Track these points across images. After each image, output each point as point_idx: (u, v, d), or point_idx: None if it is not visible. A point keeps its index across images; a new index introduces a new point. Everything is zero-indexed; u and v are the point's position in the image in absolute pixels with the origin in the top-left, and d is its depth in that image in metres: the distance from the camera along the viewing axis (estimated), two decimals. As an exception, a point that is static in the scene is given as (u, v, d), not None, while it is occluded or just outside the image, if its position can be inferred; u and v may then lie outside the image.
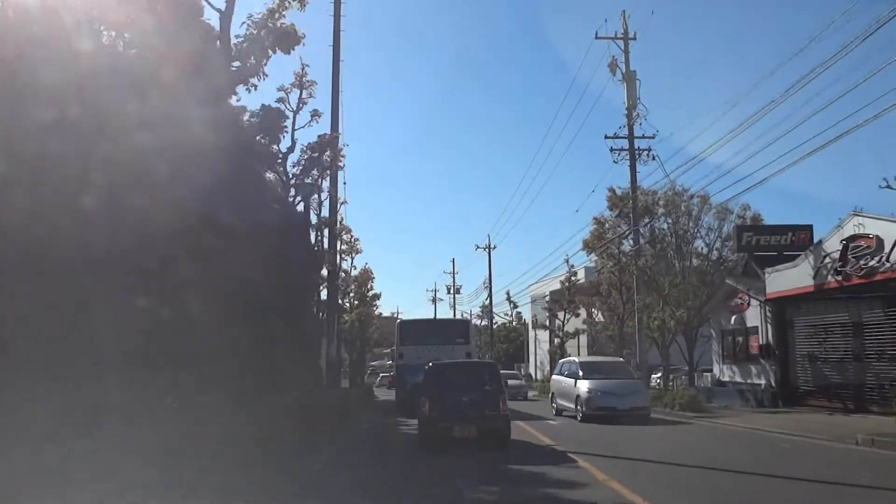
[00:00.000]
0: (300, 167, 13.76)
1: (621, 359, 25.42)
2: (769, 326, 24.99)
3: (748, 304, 26.17)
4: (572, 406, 20.24)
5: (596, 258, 32.55)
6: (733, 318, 27.45)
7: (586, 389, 19.39)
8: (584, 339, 43.27)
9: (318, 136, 13.78)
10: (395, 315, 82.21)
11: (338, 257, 21.90)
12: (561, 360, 23.75)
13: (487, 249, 54.66)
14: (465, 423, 11.96)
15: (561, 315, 39.30)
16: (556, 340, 39.24)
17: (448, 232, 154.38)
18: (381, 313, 48.42)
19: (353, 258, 26.73)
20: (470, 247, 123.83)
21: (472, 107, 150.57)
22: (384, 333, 56.23)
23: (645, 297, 26.26)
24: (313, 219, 17.66)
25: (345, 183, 26.84)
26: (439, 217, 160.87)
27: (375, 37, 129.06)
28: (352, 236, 26.24)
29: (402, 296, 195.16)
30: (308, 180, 14.10)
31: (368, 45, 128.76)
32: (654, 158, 26.96)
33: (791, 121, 19.11)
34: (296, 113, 13.95)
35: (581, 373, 20.38)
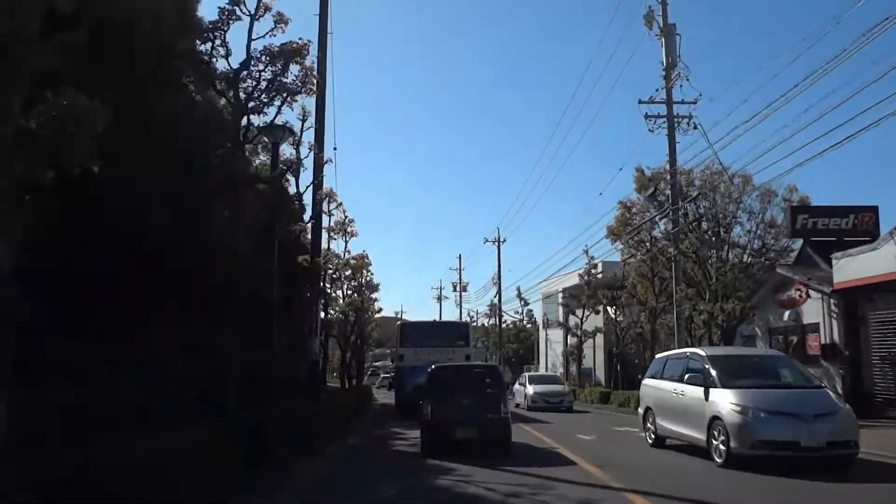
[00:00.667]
0: (252, 82, 9.76)
1: (779, 352, 16.69)
2: (835, 322, 20.94)
3: (806, 297, 22.10)
4: (699, 435, 11.39)
5: (622, 247, 28.54)
6: (787, 313, 23.37)
7: (737, 406, 10.36)
8: (599, 339, 39.20)
9: (281, 45, 9.77)
10: (399, 314, 78.82)
11: (323, 233, 18.06)
12: (662, 356, 14.91)
13: (497, 243, 50.70)
14: (467, 425, 11.86)
15: (579, 312, 35.15)
16: (574, 340, 35.11)
17: (454, 227, 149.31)
18: (380, 308, 44.45)
19: (346, 241, 22.76)
20: (477, 242, 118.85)
21: (480, 88, 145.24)
22: (386, 332, 52.48)
23: (686, 287, 22.19)
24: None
25: (335, 148, 22.95)
26: (445, 211, 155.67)
27: (371, 15, 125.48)
28: (345, 215, 22.28)
29: (407, 295, 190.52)
30: (273, 111, 10.12)
31: (362, 25, 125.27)
32: (695, 127, 22.99)
33: (856, 83, 15.30)
34: (253, 17, 9.94)
35: (715, 374, 11.34)
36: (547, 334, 52.92)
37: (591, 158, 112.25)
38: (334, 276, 19.93)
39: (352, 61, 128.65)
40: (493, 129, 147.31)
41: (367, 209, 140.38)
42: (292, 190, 16.53)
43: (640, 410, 14.47)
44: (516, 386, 30.34)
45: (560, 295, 49.37)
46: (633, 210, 27.94)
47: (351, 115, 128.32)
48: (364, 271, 24.87)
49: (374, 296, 34.95)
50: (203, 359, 9.86)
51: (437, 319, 38.30)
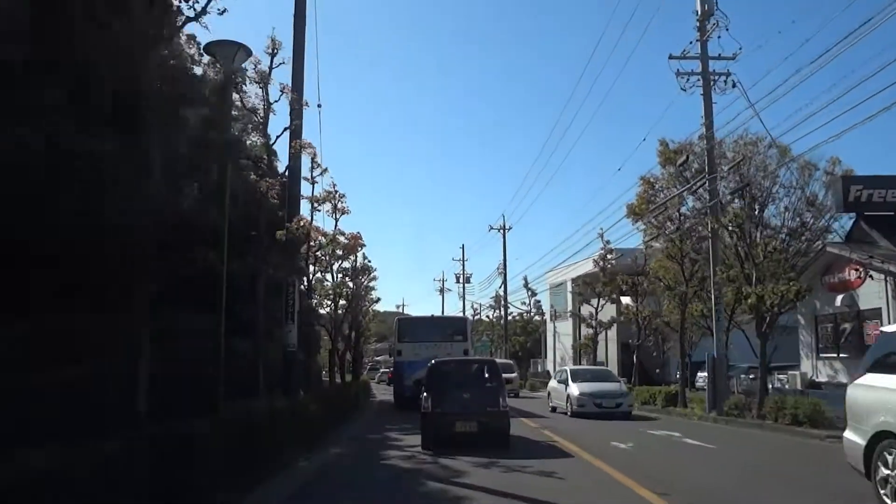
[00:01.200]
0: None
1: None
2: (902, 307, 17.81)
3: (865, 278, 18.97)
4: None
5: (643, 227, 25.34)
6: (839, 298, 20.27)
7: None
8: (612, 331, 35.98)
9: None
10: (400, 308, 76.06)
11: (304, 202, 15.00)
12: None
13: (502, 230, 47.53)
14: (467, 418, 11.80)
15: (593, 302, 32.01)
16: (588, 331, 31.94)
17: (457, 216, 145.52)
18: (378, 297, 41.44)
19: (336, 218, 19.60)
20: (480, 231, 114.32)
21: (486, 56, 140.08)
22: (389, 327, 49.50)
23: (726, 268, 19.05)
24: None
25: (319, 105, 19.98)
26: (447, 200, 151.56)
27: None
28: (335, 188, 19.12)
29: (408, 289, 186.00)
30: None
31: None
32: (734, 85, 19.83)
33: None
34: None
35: None
36: (555, 326, 49.87)
37: (603, 139, 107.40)
38: (319, 254, 16.82)
39: (345, 40, 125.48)
40: (498, 109, 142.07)
41: (366, 201, 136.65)
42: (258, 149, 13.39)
43: (856, 437, 7.04)
44: (552, 384, 23.12)
45: (570, 283, 46.35)
46: (657, 185, 24.84)
47: (344, 101, 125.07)
48: (358, 253, 21.76)
49: (371, 284, 31.95)
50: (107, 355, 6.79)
51: (435, 314, 36.42)
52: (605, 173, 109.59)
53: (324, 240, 17.42)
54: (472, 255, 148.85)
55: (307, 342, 21.38)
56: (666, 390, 23.25)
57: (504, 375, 13.33)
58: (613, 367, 40.41)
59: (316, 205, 17.04)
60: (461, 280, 59.04)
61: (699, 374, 33.03)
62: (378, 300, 39.56)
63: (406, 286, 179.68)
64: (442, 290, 66.08)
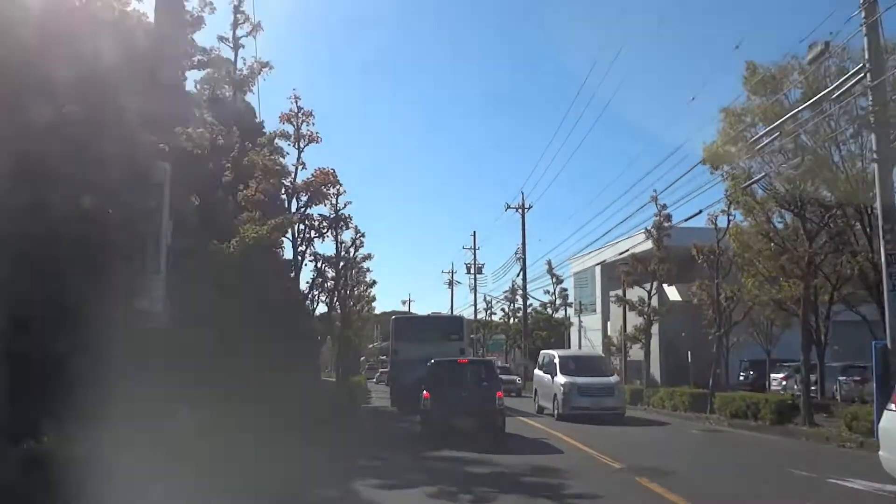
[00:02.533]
0: None
1: None
2: None
3: None
4: None
5: (726, 176, 17.97)
6: None
7: None
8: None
9: None
10: (406, 303, 69.01)
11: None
12: None
13: (521, 210, 40.04)
14: (465, 415, 12.10)
15: (643, 285, 24.49)
16: (640, 320, 24.37)
17: (467, 202, 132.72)
18: (374, 280, 34.43)
19: (300, 146, 12.41)
20: (492, 217, 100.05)
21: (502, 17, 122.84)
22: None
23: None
24: None
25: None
26: (454, 186, 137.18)
27: None
28: (297, 102, 11.97)
29: (415, 283, 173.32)
30: None
31: None
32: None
33: None
34: None
35: None
36: (580, 321, 42.39)
37: (643, 95, 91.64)
38: (245, 163, 9.46)
39: (347, 27, 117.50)
40: (510, 73, 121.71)
41: (366, 194, 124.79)
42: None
43: None
44: None
45: (598, 270, 38.95)
46: (748, 119, 17.55)
47: (341, 84, 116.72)
48: (331, 195, 14.51)
49: (366, 265, 24.77)
50: None
51: (432, 313, 33.52)
52: (632, 144, 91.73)
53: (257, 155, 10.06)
54: (484, 243, 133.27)
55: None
56: (774, 398, 15.78)
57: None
58: (655, 369, 32.94)
59: (243, 89, 9.77)
60: (472, 270, 51.64)
61: (749, 373, 27.53)
62: (374, 283, 32.47)
63: (412, 281, 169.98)
64: (451, 283, 58.57)
